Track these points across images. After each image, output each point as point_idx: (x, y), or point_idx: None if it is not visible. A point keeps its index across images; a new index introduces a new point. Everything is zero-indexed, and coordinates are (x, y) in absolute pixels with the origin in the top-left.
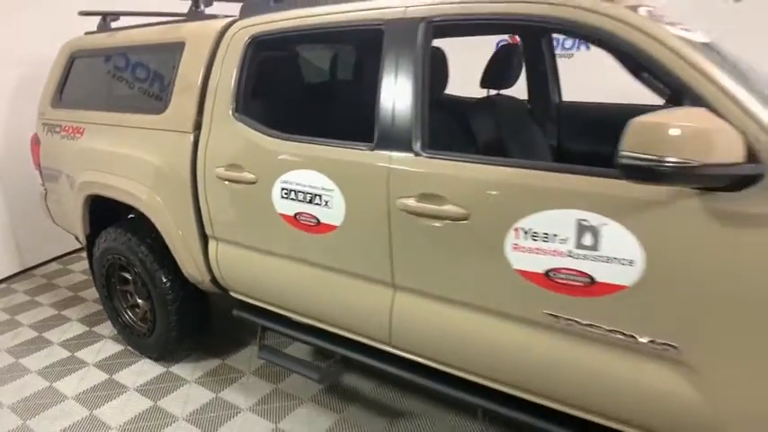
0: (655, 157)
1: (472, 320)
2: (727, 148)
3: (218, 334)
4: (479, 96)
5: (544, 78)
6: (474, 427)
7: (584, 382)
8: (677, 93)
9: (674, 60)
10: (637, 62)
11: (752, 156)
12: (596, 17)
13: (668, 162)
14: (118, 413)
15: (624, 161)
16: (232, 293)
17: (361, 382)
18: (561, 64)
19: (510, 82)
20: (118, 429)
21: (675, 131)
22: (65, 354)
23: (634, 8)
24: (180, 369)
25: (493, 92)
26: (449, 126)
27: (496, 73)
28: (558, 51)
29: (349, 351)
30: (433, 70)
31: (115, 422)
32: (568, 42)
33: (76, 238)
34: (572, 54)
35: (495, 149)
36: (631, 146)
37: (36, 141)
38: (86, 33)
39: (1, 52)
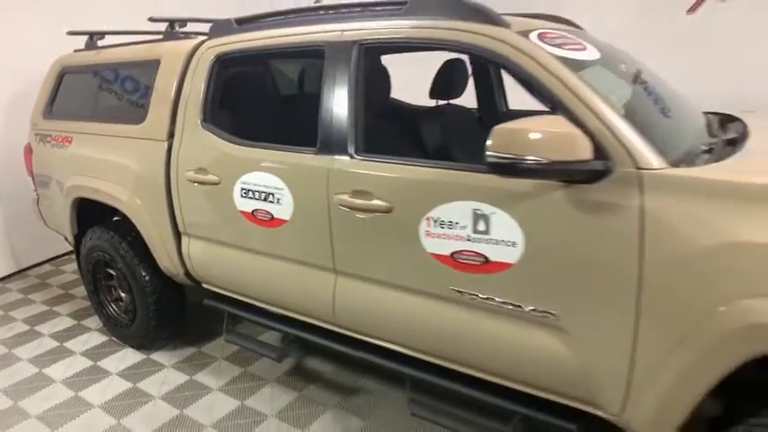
0: (516, 156)
1: (397, 298)
2: (577, 149)
3: (195, 325)
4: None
5: (491, 89)
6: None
7: (484, 347)
8: (551, 103)
9: (547, 77)
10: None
11: (603, 154)
12: (491, 41)
13: (527, 160)
14: (100, 394)
15: (490, 160)
16: (204, 285)
17: (322, 365)
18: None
19: (456, 93)
20: (100, 407)
21: (534, 135)
22: (54, 344)
23: (525, 33)
24: (159, 356)
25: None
26: (392, 132)
27: (442, 85)
28: None
29: (303, 332)
30: (369, 84)
31: (97, 401)
32: None
33: (66, 239)
34: None
35: (441, 153)
36: (496, 147)
37: (29, 150)
38: (75, 51)
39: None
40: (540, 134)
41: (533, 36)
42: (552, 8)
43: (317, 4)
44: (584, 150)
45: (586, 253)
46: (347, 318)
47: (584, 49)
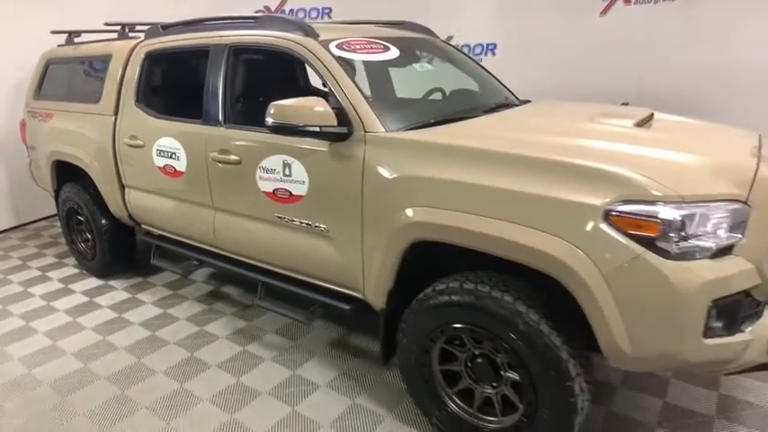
0: (283, 122)
1: (247, 225)
2: (324, 118)
3: (145, 264)
4: None
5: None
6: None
7: (295, 253)
8: (327, 88)
9: (325, 71)
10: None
11: (348, 123)
12: (298, 46)
13: (293, 124)
14: (65, 304)
15: (268, 124)
16: (142, 225)
17: (230, 290)
18: None
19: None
20: (64, 311)
21: (295, 108)
22: (38, 273)
23: (327, 41)
24: (114, 282)
25: None
26: (245, 109)
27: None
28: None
29: (200, 255)
30: (235, 75)
31: (61, 307)
32: (478, 49)
33: (50, 194)
34: (481, 59)
35: None
36: (273, 116)
37: (23, 124)
38: (58, 46)
39: (6, 59)
40: (300, 108)
41: (333, 44)
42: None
43: (210, 17)
44: (329, 119)
45: (339, 186)
46: (222, 240)
47: (386, 50)
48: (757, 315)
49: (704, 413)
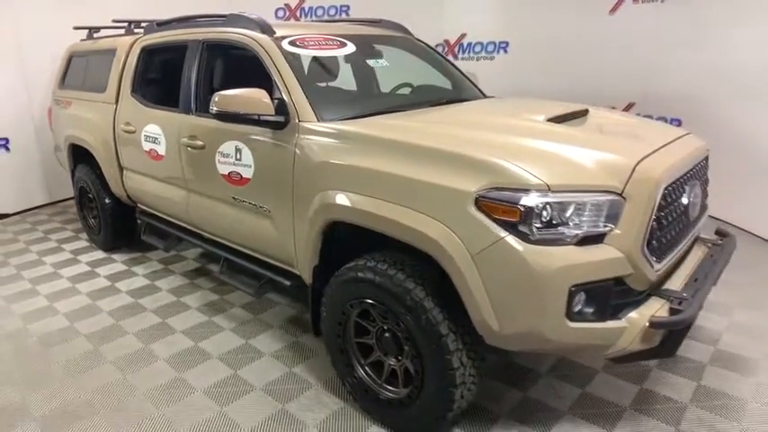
0: (228, 110)
1: (210, 204)
2: (261, 107)
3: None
4: None
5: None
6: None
7: (248, 231)
8: (273, 80)
9: (272, 66)
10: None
11: (287, 113)
12: (252, 42)
13: (234, 112)
14: (70, 272)
15: (212, 111)
16: (138, 204)
17: (214, 267)
18: (485, 64)
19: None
20: (66, 278)
21: (235, 98)
22: (55, 245)
23: (280, 38)
24: (116, 255)
25: None
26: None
27: None
28: (482, 54)
29: (180, 232)
30: (207, 68)
31: (66, 274)
32: (490, 47)
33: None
34: (493, 57)
35: None
36: (217, 105)
37: (50, 111)
38: (81, 40)
39: (44, 52)
40: (240, 97)
41: (286, 41)
42: None
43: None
44: (266, 109)
45: (276, 170)
46: (193, 218)
47: (342, 46)
48: (636, 304)
49: (617, 404)
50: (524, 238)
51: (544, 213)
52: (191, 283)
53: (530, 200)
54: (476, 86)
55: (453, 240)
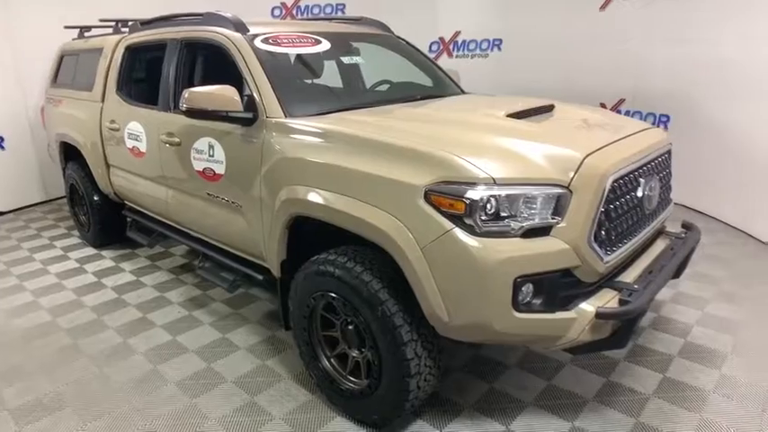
0: (197, 106)
1: (187, 200)
2: (230, 104)
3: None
4: None
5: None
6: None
7: (225, 227)
8: (243, 77)
9: (242, 63)
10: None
11: (255, 109)
12: (225, 40)
13: (203, 108)
14: (58, 268)
15: (182, 108)
16: (125, 201)
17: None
18: (479, 62)
19: None
20: (54, 274)
21: (205, 95)
22: (47, 242)
23: (253, 36)
24: (105, 252)
25: None
26: None
27: None
28: (476, 52)
29: (162, 228)
30: (185, 66)
31: (54, 270)
32: (485, 44)
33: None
34: (487, 54)
35: None
36: (187, 101)
37: (42, 110)
38: (72, 39)
39: (38, 51)
40: (210, 94)
41: (258, 39)
42: None
43: (174, 13)
44: (235, 105)
45: (246, 166)
46: (173, 214)
47: (317, 44)
48: (587, 295)
49: (581, 395)
50: (470, 230)
51: (488, 206)
52: (175, 278)
53: (475, 193)
54: (454, 83)
55: (404, 233)
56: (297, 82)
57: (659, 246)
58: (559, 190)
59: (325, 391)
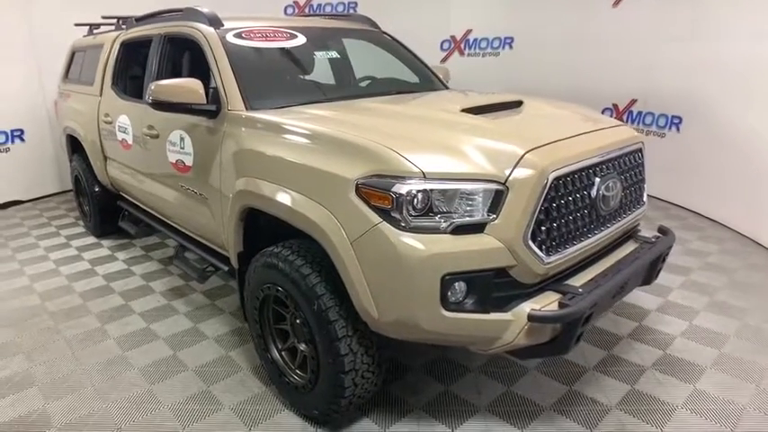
0: (162, 99)
1: (164, 191)
2: (193, 97)
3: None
4: None
5: None
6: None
7: (197, 218)
8: (211, 70)
9: (211, 57)
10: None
11: (219, 102)
12: (199, 35)
13: (167, 101)
14: (58, 255)
15: (149, 101)
16: (120, 192)
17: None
18: (490, 60)
19: None
20: (52, 261)
21: (169, 87)
22: (54, 230)
23: (226, 31)
24: (104, 241)
25: None
26: None
27: None
28: (488, 50)
29: (148, 219)
30: (168, 61)
31: (53, 257)
32: (496, 42)
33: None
34: (498, 53)
35: None
36: (153, 93)
37: (56, 103)
38: (83, 36)
39: (56, 47)
40: (174, 87)
41: (231, 33)
42: None
43: (163, 9)
44: (199, 98)
45: (209, 157)
46: (154, 204)
47: (292, 38)
48: (527, 297)
49: (538, 403)
50: (397, 225)
51: (416, 201)
52: (163, 269)
53: (402, 187)
54: (439, 79)
55: (335, 226)
56: (264, 76)
57: (625, 250)
58: (495, 186)
59: (276, 384)
